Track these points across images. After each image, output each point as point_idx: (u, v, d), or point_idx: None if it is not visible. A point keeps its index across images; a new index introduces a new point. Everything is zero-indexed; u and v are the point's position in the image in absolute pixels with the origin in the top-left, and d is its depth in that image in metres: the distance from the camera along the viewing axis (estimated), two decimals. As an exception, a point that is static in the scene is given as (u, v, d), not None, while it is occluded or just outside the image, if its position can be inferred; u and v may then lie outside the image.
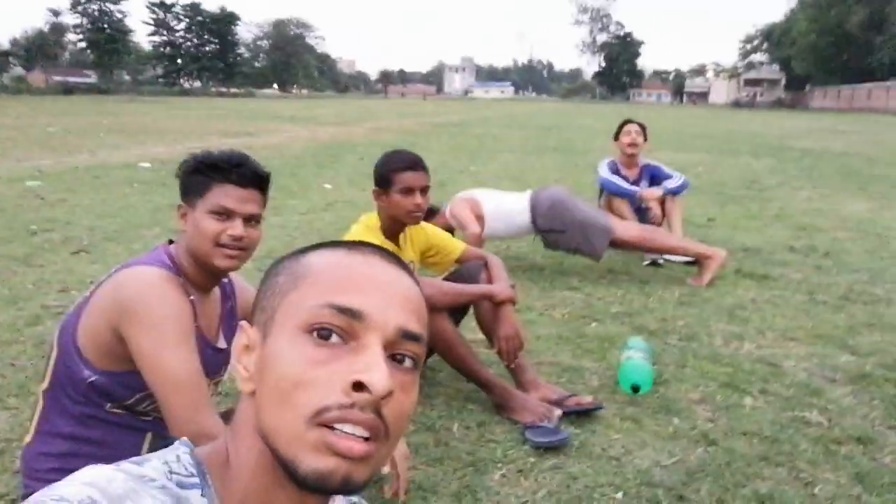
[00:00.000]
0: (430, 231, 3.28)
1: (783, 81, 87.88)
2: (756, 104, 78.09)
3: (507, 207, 5.16)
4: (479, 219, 5.09)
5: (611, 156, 6.18)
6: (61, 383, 1.90)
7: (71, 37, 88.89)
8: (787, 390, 3.17)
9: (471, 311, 3.22)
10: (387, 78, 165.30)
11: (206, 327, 2.01)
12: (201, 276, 1.97)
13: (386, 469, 2.21)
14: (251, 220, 1.94)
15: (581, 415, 2.87)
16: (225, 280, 2.14)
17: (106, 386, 1.87)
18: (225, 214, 1.90)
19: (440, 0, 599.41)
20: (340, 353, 0.78)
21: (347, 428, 0.75)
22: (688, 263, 5.28)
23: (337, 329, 0.78)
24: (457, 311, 3.21)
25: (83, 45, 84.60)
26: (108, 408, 1.90)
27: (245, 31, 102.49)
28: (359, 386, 0.75)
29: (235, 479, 0.82)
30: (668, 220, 5.74)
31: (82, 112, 29.02)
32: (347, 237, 2.99)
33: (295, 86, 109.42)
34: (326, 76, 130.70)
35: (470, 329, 3.35)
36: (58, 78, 79.79)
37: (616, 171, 5.93)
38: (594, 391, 3.14)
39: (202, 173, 1.93)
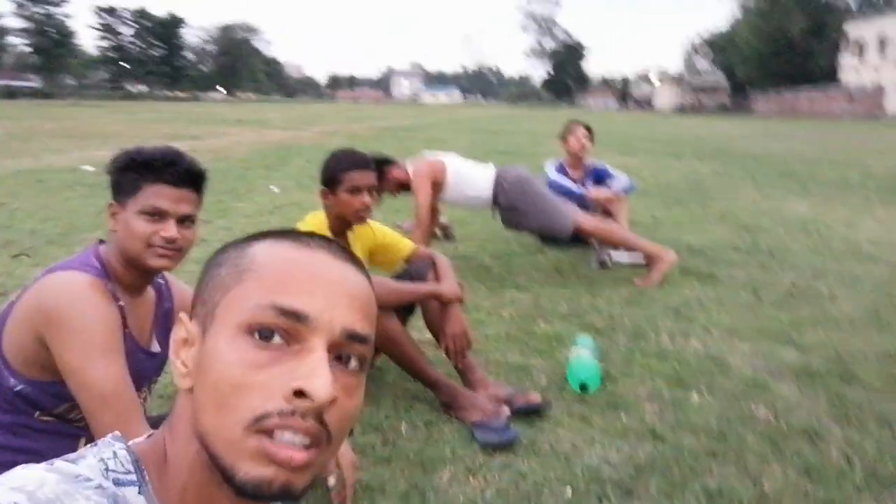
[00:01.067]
0: (377, 230, 3.24)
1: (727, 87, 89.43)
2: (700, 109, 79.35)
3: (472, 177, 5.12)
4: (439, 185, 5.04)
5: (557, 157, 6.21)
6: None
7: (13, 40, 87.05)
8: (734, 386, 3.19)
9: (418, 311, 3.19)
10: (336, 82, 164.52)
11: (137, 331, 1.92)
12: (133, 276, 1.88)
13: (332, 480, 2.15)
14: (185, 220, 1.86)
15: (530, 413, 2.84)
16: (161, 281, 2.06)
17: (32, 395, 1.78)
18: (157, 215, 1.81)
19: (389, 6, 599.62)
20: (282, 356, 0.75)
21: (287, 435, 0.72)
22: (634, 266, 5.30)
23: (279, 330, 0.75)
24: (404, 311, 3.17)
25: (27, 49, 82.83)
26: (37, 416, 1.81)
27: (192, 36, 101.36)
28: (300, 393, 0.72)
29: (173, 475, 0.79)
30: (614, 220, 5.77)
31: (25, 116, 28.38)
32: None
33: (241, 90, 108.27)
34: (274, 80, 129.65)
35: (417, 329, 3.32)
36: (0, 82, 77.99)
37: (563, 172, 5.96)
38: (543, 389, 3.12)
39: (134, 171, 1.83)
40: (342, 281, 0.81)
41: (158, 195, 1.81)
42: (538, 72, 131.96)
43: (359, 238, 3.15)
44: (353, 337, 0.78)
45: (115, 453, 0.78)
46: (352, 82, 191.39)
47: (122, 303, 1.83)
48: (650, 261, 5.02)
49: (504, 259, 5.56)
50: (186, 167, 1.86)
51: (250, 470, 0.72)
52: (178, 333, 0.84)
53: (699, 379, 3.25)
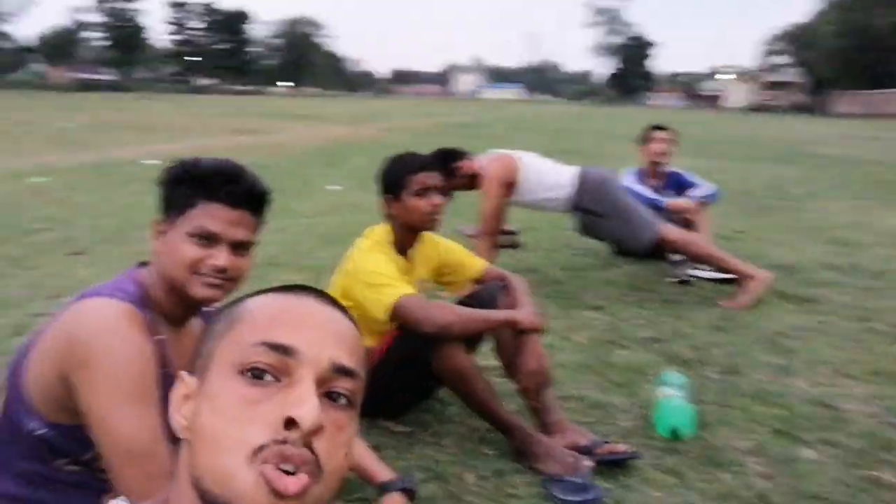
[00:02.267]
0: (443, 247, 2.93)
1: (805, 85, 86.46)
2: (775, 108, 77.04)
3: (551, 176, 4.70)
4: (512, 184, 4.61)
5: (634, 164, 5.79)
6: (5, 434, 1.57)
7: (92, 34, 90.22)
8: (854, 442, 2.70)
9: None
10: (398, 77, 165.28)
11: (179, 369, 1.63)
12: (175, 305, 1.64)
13: None
14: (240, 247, 1.60)
15: (613, 465, 2.46)
16: (210, 310, 1.79)
17: (55, 440, 1.54)
18: (208, 238, 1.57)
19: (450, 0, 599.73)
20: (273, 391, 0.78)
21: (282, 465, 0.75)
22: (720, 281, 4.85)
23: (270, 368, 0.79)
24: (472, 339, 2.81)
25: (104, 42, 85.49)
26: (61, 465, 1.57)
27: (258, 30, 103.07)
28: (290, 423, 0.75)
29: None
30: (695, 232, 5.31)
31: (99, 108, 29.16)
32: (353, 252, 2.67)
33: (305, 85, 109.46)
34: (337, 75, 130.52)
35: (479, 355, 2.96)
36: (78, 75, 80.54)
37: (641, 181, 5.54)
38: (626, 434, 2.73)
39: (187, 185, 1.58)
40: (328, 320, 0.86)
41: (212, 216, 1.57)
42: (601, 69, 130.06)
43: (423, 255, 2.86)
44: (341, 370, 0.82)
45: None
46: (413, 77, 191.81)
47: (161, 336, 1.60)
48: (740, 279, 4.56)
49: (575, 272, 5.16)
50: (248, 187, 1.61)
51: (248, 502, 0.73)
52: (178, 391, 0.87)
53: (811, 430, 2.78)
